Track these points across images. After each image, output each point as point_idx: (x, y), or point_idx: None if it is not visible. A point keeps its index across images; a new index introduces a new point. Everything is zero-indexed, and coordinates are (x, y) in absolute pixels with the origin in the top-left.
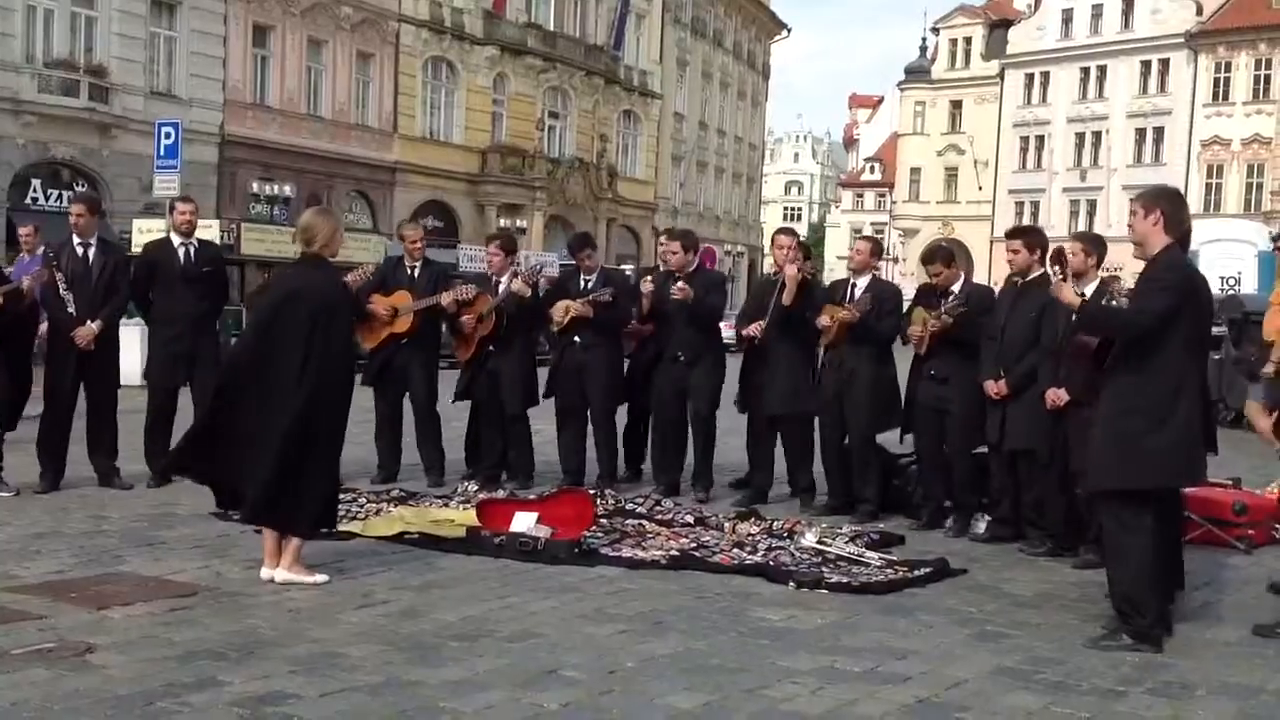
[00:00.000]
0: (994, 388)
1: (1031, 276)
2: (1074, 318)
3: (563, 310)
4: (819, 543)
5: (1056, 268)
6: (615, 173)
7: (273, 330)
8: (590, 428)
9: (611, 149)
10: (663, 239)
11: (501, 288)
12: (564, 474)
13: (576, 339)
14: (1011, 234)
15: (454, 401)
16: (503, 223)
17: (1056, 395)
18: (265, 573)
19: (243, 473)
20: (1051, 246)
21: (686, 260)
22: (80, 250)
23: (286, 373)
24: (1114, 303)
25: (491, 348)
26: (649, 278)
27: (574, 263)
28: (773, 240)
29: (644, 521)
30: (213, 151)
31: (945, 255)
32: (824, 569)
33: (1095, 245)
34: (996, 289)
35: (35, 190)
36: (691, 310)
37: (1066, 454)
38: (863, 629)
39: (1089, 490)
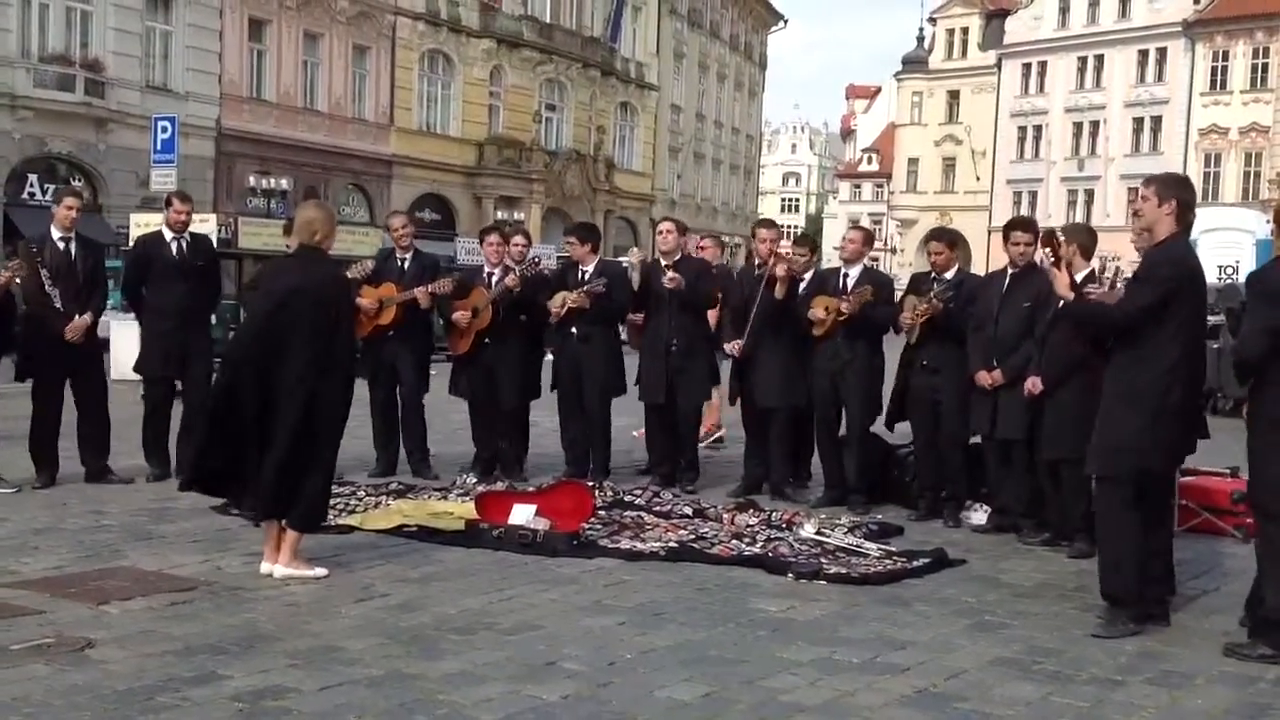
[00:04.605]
0: (987, 378)
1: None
2: (1061, 308)
3: (560, 301)
4: (818, 534)
5: (1048, 250)
6: (612, 164)
7: (276, 326)
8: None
9: (608, 141)
10: (662, 226)
11: (494, 280)
12: (567, 465)
13: (574, 330)
14: (1016, 225)
15: (451, 394)
16: (500, 215)
17: (1033, 384)
18: (265, 567)
19: (248, 471)
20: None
21: (677, 244)
22: (62, 244)
23: (290, 369)
24: (1106, 289)
25: (487, 340)
26: (634, 249)
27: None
28: (753, 234)
29: (642, 513)
30: (209, 145)
31: (950, 237)
32: (823, 560)
33: (1080, 237)
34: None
35: (32, 185)
36: (686, 298)
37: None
38: (861, 620)
39: (1089, 474)
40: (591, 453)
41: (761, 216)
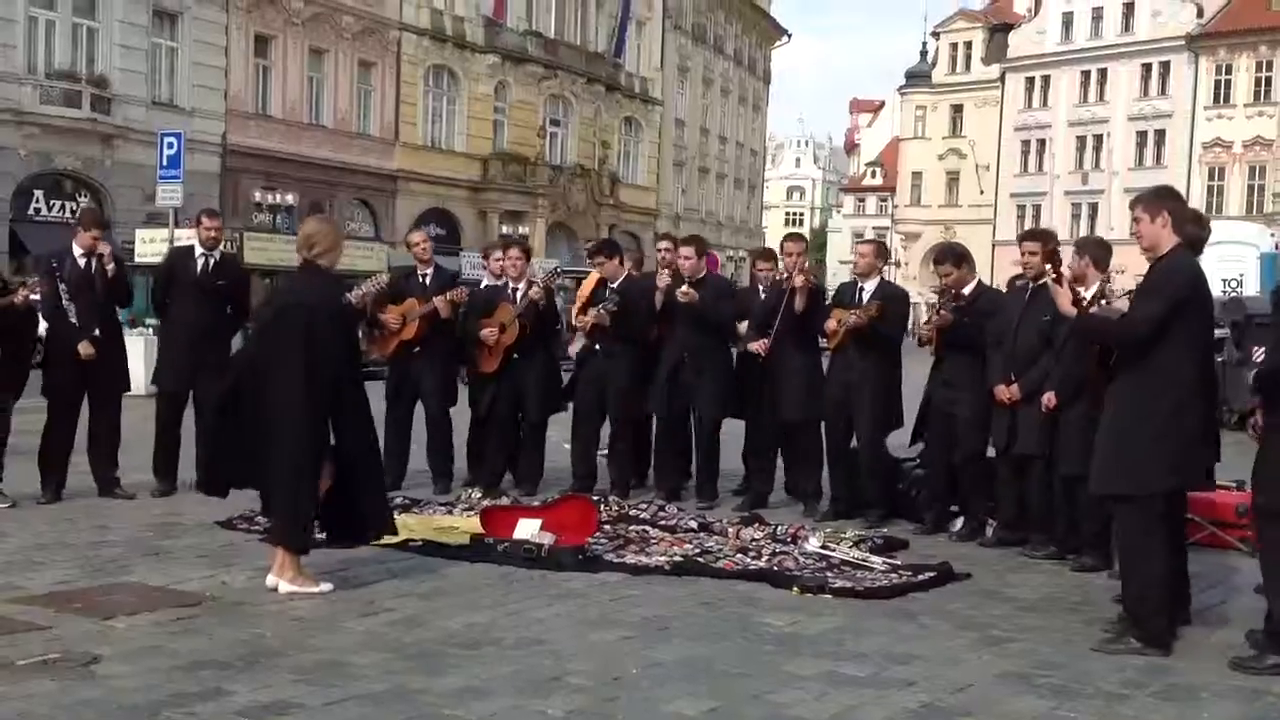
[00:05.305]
0: (1005, 393)
1: (1044, 280)
2: (1071, 326)
3: (584, 317)
4: (823, 547)
5: (1049, 267)
6: (617, 179)
7: (271, 340)
8: (606, 435)
9: (613, 155)
10: (663, 244)
11: (519, 295)
12: (574, 479)
13: (597, 347)
14: (1026, 236)
15: (482, 413)
16: (505, 230)
17: (1049, 398)
18: (270, 580)
19: (257, 482)
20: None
21: (698, 266)
22: (82, 261)
23: (288, 385)
24: (1113, 304)
25: (516, 355)
26: (665, 271)
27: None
28: (781, 247)
29: (647, 527)
30: (215, 161)
31: (956, 255)
32: (828, 574)
33: (1093, 250)
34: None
35: (38, 201)
36: (701, 317)
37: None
38: (867, 633)
39: (1094, 494)
40: (611, 467)
41: (791, 231)
